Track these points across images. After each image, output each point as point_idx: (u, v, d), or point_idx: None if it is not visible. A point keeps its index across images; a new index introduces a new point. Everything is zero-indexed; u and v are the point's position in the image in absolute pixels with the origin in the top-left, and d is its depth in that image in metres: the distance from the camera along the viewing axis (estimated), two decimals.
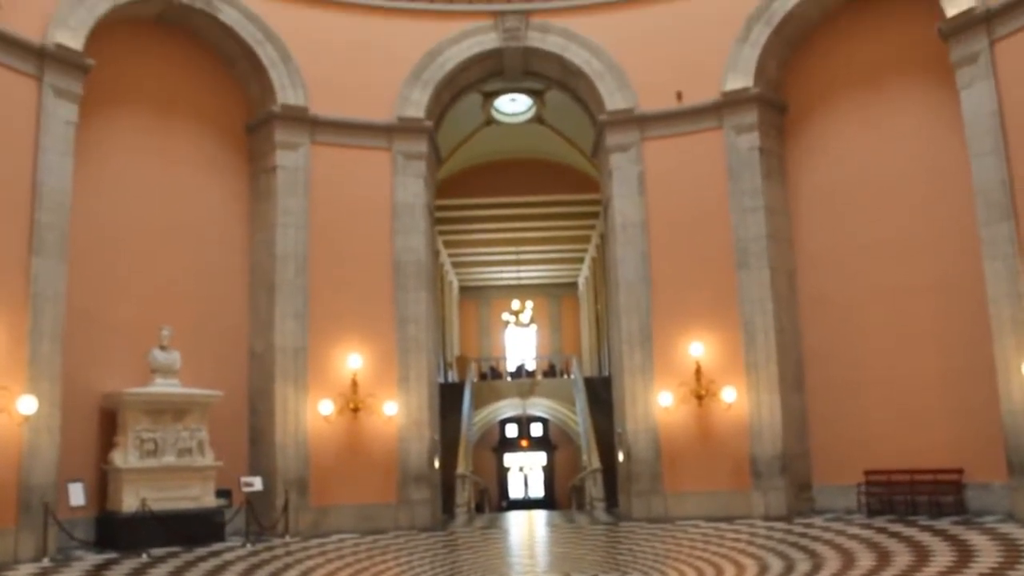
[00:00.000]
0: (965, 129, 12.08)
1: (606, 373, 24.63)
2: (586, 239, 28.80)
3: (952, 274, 12.78)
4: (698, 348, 14.38)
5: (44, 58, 11.73)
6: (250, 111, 15.04)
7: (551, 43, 15.85)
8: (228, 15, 14.25)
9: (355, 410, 14.32)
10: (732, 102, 14.66)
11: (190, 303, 13.75)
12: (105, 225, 12.86)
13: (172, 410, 12.68)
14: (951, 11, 12.19)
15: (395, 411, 14.53)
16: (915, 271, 13.28)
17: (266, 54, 14.60)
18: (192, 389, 12.98)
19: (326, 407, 14.18)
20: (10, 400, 10.68)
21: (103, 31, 12.70)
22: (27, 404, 10.75)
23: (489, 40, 15.90)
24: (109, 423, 12.53)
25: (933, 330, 13.05)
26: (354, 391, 14.34)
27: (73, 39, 12.07)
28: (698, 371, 14.32)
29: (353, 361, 14.45)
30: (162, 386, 12.68)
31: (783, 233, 14.62)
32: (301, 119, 14.77)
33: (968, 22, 11.96)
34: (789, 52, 14.83)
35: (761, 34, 14.54)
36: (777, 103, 14.86)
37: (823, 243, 14.36)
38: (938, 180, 13.07)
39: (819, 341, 14.25)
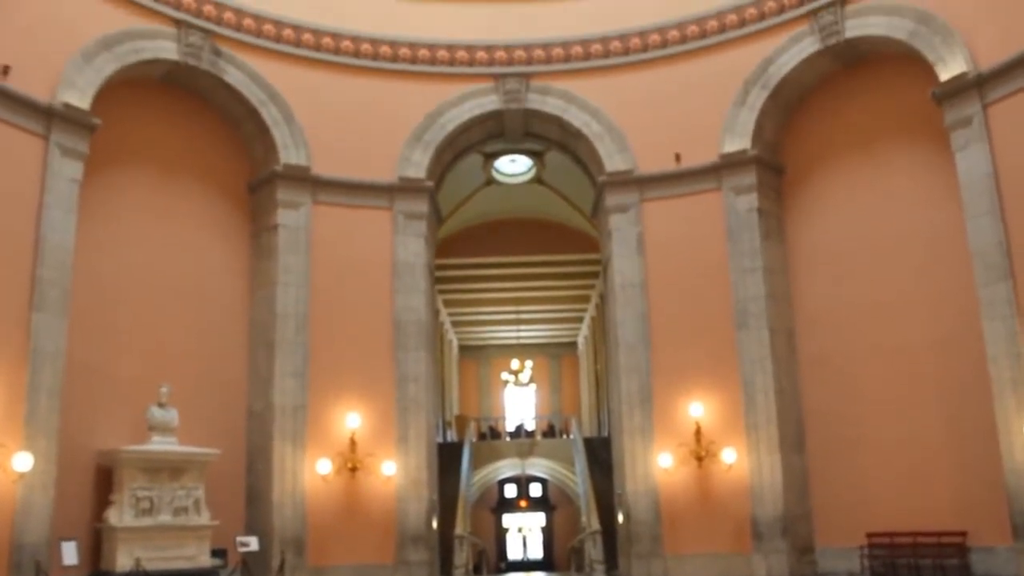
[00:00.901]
0: (961, 191, 12.21)
1: (606, 433, 24.48)
2: (586, 299, 28.85)
3: (951, 334, 12.80)
4: (698, 409, 14.34)
5: (52, 117, 11.90)
6: (253, 170, 15.21)
7: (551, 105, 16.07)
8: (233, 76, 14.49)
9: (353, 469, 14.23)
10: (730, 164, 14.81)
11: (190, 360, 13.74)
12: (106, 282, 12.91)
13: (169, 468, 12.59)
14: (944, 76, 12.42)
15: (393, 471, 14.43)
16: (914, 331, 13.29)
17: (270, 114, 14.81)
18: (190, 447, 12.91)
19: (324, 466, 14.08)
20: (6, 457, 10.61)
21: (110, 91, 12.91)
22: (22, 461, 10.67)
23: (490, 102, 16.12)
24: (105, 481, 12.42)
25: (934, 390, 13.02)
26: (352, 450, 14.26)
27: (80, 99, 12.26)
28: (698, 432, 14.25)
29: (352, 420, 14.39)
30: (159, 444, 12.60)
31: (782, 293, 14.67)
32: (303, 178, 14.92)
33: (961, 86, 12.17)
34: (786, 115, 15.05)
35: (758, 97, 14.75)
36: (775, 165, 15.03)
37: (822, 303, 14.40)
38: (936, 240, 13.16)
39: (819, 401, 14.21)
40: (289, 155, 14.87)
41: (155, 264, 13.63)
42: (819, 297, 14.47)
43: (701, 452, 14.17)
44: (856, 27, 13.75)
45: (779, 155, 15.17)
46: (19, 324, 11.19)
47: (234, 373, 14.48)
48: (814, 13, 14.21)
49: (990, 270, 11.73)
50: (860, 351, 13.83)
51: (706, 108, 15.15)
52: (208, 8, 14.29)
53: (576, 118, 15.96)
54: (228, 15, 14.54)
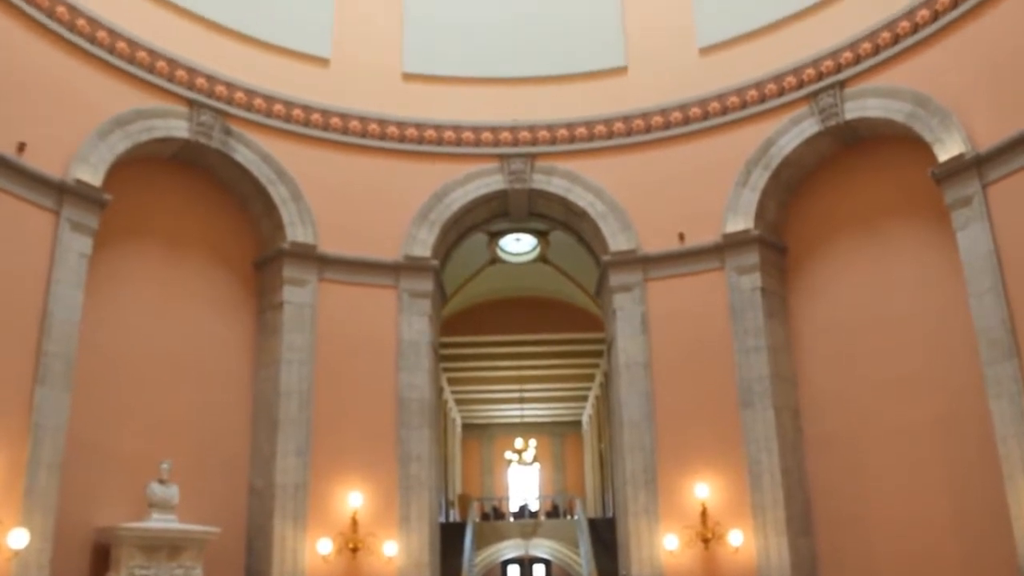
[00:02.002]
0: (963, 269, 12.26)
1: (610, 514, 24.18)
2: (590, 378, 28.81)
3: (959, 413, 12.70)
4: (703, 490, 14.17)
5: (64, 193, 12.05)
6: (260, 247, 15.34)
7: (555, 185, 16.27)
8: (243, 154, 14.74)
9: (354, 550, 14.02)
10: (733, 243, 14.92)
11: (191, 437, 13.67)
12: (110, 356, 12.92)
13: (168, 547, 12.41)
14: (943, 156, 12.59)
15: (395, 551, 14.21)
16: (921, 410, 13.19)
17: (278, 193, 15.00)
18: (189, 525, 12.76)
19: (325, 546, 13.88)
20: (1, 534, 10.48)
21: (121, 167, 13.12)
22: (18, 538, 10.51)
23: (495, 182, 16.33)
24: (102, 558, 12.21)
25: (942, 470, 12.86)
26: (354, 530, 14.08)
27: (92, 175, 12.45)
28: (704, 513, 14.07)
29: (354, 499, 14.24)
30: (159, 521, 12.45)
31: (787, 372, 14.63)
32: (309, 256, 15.03)
33: (960, 167, 12.32)
34: (788, 195, 15.22)
35: (760, 178, 14.93)
36: (778, 244, 15.13)
37: (827, 382, 14.34)
38: (940, 319, 13.15)
39: (826, 481, 14.05)
40: (296, 233, 15.01)
41: (160, 339, 13.65)
42: (824, 376, 14.42)
43: (707, 534, 13.97)
44: (855, 109, 14.00)
45: (782, 234, 15.29)
46: (22, 398, 11.15)
47: (236, 450, 14.39)
48: (814, 95, 14.48)
49: (995, 348, 11.71)
50: (866, 430, 13.72)
51: (709, 188, 15.34)
52: (220, 88, 14.60)
53: (580, 198, 16.14)
54: (239, 95, 14.85)
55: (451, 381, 28.03)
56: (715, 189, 15.27)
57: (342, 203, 15.58)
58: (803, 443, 14.42)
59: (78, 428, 11.85)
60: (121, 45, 13.37)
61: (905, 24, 13.42)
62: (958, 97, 12.62)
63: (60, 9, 12.57)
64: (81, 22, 12.85)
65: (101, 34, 13.12)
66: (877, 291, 14.01)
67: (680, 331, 15.11)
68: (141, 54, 13.62)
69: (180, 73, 14.12)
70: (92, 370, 12.37)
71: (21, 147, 11.69)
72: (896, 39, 13.55)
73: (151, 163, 14.03)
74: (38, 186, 11.82)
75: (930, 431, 13.04)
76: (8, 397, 11.04)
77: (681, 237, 15.44)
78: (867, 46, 13.90)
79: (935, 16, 13.03)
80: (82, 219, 12.25)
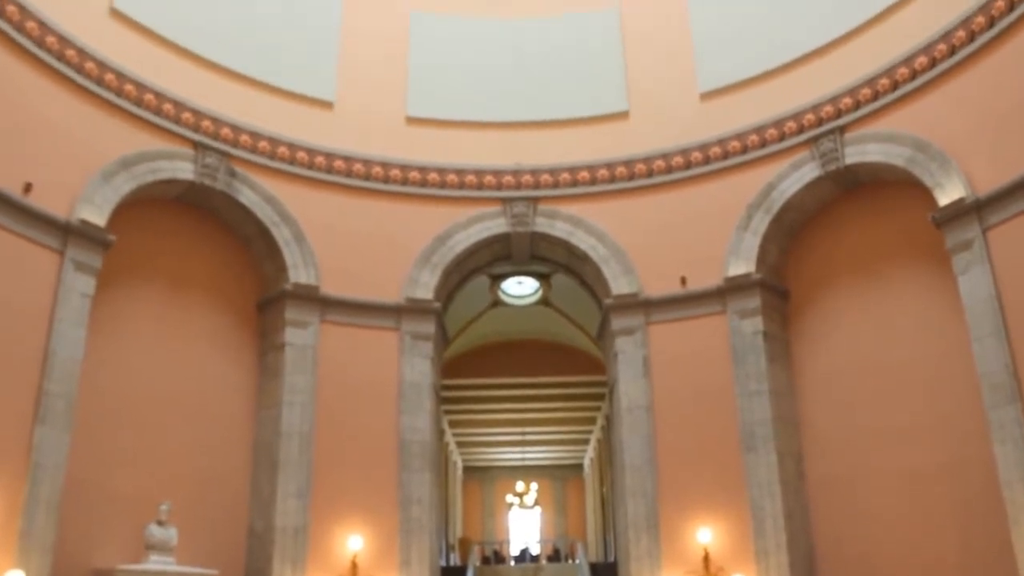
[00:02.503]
0: (965, 313, 12.26)
1: (612, 558, 23.95)
2: (591, 420, 28.71)
3: (963, 457, 12.61)
4: (706, 534, 14.05)
5: (68, 233, 12.12)
6: (263, 289, 15.37)
7: (558, 229, 16.35)
8: (247, 196, 14.84)
9: None
10: (735, 287, 14.94)
11: (191, 478, 13.60)
12: (111, 395, 12.90)
13: None
14: (943, 201, 12.65)
15: None
16: (924, 454, 13.11)
17: (281, 235, 15.07)
18: (187, 568, 12.63)
19: None
20: None
21: (125, 208, 13.24)
22: None
23: (497, 225, 16.41)
24: None
25: (946, 514, 12.75)
26: (354, 573, 13.93)
27: (97, 216, 12.53)
28: (706, 558, 13.93)
29: (354, 542, 14.12)
30: (156, 563, 12.32)
31: (790, 416, 14.57)
32: (312, 298, 15.06)
33: (960, 211, 12.37)
34: (789, 239, 15.27)
35: (761, 222, 15.00)
36: (779, 288, 15.15)
37: (830, 426, 14.28)
38: (942, 363, 13.12)
39: (830, 526, 13.93)
40: (299, 275, 15.05)
41: (161, 380, 13.64)
42: (827, 420, 14.36)
43: None
44: (855, 154, 14.10)
45: (783, 278, 15.31)
46: (21, 437, 11.11)
47: (236, 492, 14.29)
48: (814, 140, 14.60)
49: (998, 392, 11.67)
50: (870, 475, 13.63)
51: (711, 232, 15.40)
52: (226, 131, 14.75)
53: (582, 241, 16.20)
54: (244, 138, 14.98)
55: (452, 423, 27.93)
56: (717, 233, 15.34)
57: (345, 245, 15.65)
58: (806, 487, 14.33)
59: (77, 468, 11.81)
60: (129, 88, 13.53)
61: (904, 71, 13.57)
62: (957, 142, 12.72)
63: (70, 52, 12.74)
64: (90, 65, 13.02)
65: (109, 77, 13.29)
66: (879, 335, 14.01)
67: (682, 375, 15.09)
68: (148, 96, 13.78)
69: (186, 115, 14.27)
70: (92, 409, 12.36)
71: (28, 187, 11.79)
72: (895, 85, 13.70)
73: (156, 204, 14.13)
74: (43, 226, 11.89)
75: (934, 475, 12.96)
76: (7, 436, 11.00)
77: (683, 281, 15.47)
78: (866, 92, 14.04)
79: (933, 63, 13.18)
80: (86, 259, 12.30)
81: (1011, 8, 12.20)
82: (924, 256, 13.55)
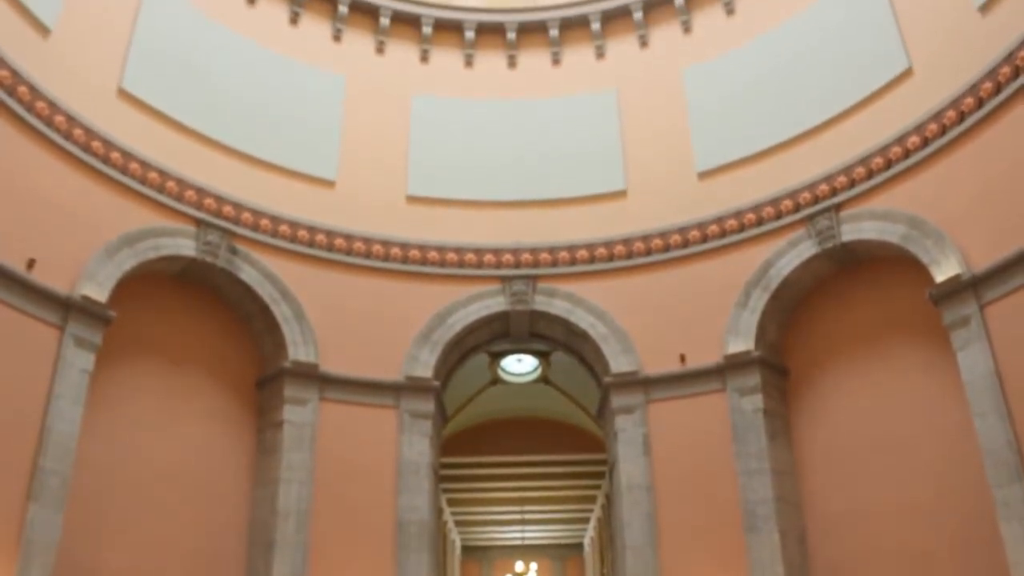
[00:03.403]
0: (966, 389, 12.21)
1: None
2: (591, 499, 28.37)
3: (969, 537, 12.44)
4: None
5: (69, 309, 12.16)
6: (262, 365, 15.36)
7: (557, 307, 16.40)
8: (247, 273, 14.93)
9: None
10: (734, 365, 14.92)
11: (186, 558, 13.38)
12: (106, 472, 12.79)
13: None
14: (939, 277, 12.72)
15: None
16: (930, 533, 12.92)
17: (281, 312, 15.12)
18: None
19: None
20: None
21: (126, 284, 13.33)
22: None
23: (497, 303, 16.47)
24: None
25: None
26: None
27: (99, 292, 12.60)
28: None
29: None
30: None
31: (791, 495, 14.42)
32: (311, 375, 15.03)
33: (956, 288, 12.43)
34: (788, 316, 15.32)
35: (760, 299, 15.06)
36: (779, 366, 15.13)
37: (833, 505, 14.10)
38: (945, 440, 13.04)
39: None
40: (298, 352, 15.05)
41: (156, 457, 13.54)
42: (830, 499, 14.19)
43: None
44: (851, 231, 14.23)
45: (783, 355, 15.32)
46: (13, 514, 10.98)
47: (231, 572, 14.05)
48: (810, 218, 14.76)
49: (1002, 470, 11.55)
50: (875, 555, 13.41)
51: (709, 310, 15.47)
52: (228, 209, 14.92)
53: (582, 320, 16.24)
54: (246, 215, 15.16)
55: (451, 502, 27.61)
56: (715, 311, 15.40)
57: (344, 323, 15.69)
58: (810, 568, 14.09)
59: (69, 546, 11.66)
60: (134, 166, 13.75)
61: (897, 149, 13.80)
62: (952, 219, 12.86)
63: (77, 131, 12.98)
64: (96, 144, 13.25)
65: (115, 155, 13.51)
66: (880, 412, 13.95)
67: (682, 453, 14.98)
68: (152, 174, 13.99)
69: (189, 193, 14.46)
70: (86, 486, 12.26)
71: (31, 263, 11.89)
72: (889, 164, 13.91)
73: (157, 280, 14.24)
74: (44, 302, 11.95)
75: (940, 555, 12.76)
76: (1, 514, 10.88)
77: (682, 359, 15.46)
78: (861, 170, 14.25)
79: (925, 142, 13.42)
80: (86, 335, 12.33)
81: (998, 90, 12.46)
82: (923, 332, 13.59)
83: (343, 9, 17.97)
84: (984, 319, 12.16)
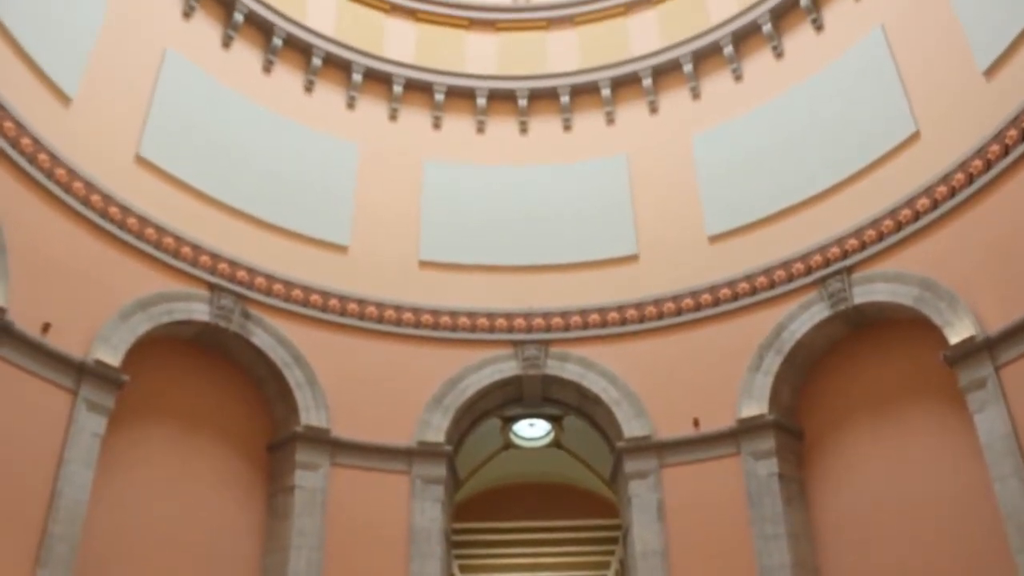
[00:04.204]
0: (984, 453, 12.08)
1: None
2: (605, 565, 27.82)
3: None
4: None
5: (83, 373, 12.22)
6: (274, 430, 15.31)
7: (569, 371, 16.35)
8: (260, 338, 14.97)
9: None
10: (748, 429, 14.78)
11: None
12: (115, 538, 12.68)
13: None
14: (953, 339, 12.67)
15: None
16: None
17: (293, 377, 15.12)
18: None
19: None
20: None
21: (139, 348, 13.37)
22: None
23: (509, 368, 16.43)
24: None
25: None
26: None
27: (112, 356, 12.66)
28: None
29: None
30: None
31: (808, 561, 14.15)
32: (323, 440, 14.95)
33: (970, 350, 12.37)
34: (801, 379, 15.22)
35: (773, 362, 14.99)
36: (793, 429, 14.99)
37: (851, 571, 13.82)
38: (964, 504, 12.81)
39: None
40: (310, 417, 15.00)
41: (167, 522, 13.42)
42: (847, 564, 13.91)
43: None
44: (863, 294, 14.22)
45: (797, 419, 15.18)
46: None
47: None
48: (822, 281, 14.76)
49: (1023, 535, 11.37)
50: None
51: (722, 373, 15.38)
52: (241, 273, 15.04)
53: (594, 384, 16.17)
54: (260, 280, 15.26)
55: (463, 568, 27.15)
56: (728, 374, 15.32)
57: (357, 387, 15.66)
58: None
59: None
60: (150, 231, 13.92)
61: (907, 212, 13.86)
62: (965, 280, 12.85)
63: (95, 197, 13.20)
64: (114, 209, 13.45)
65: (131, 220, 13.70)
66: (898, 475, 13.75)
67: (697, 518, 14.77)
68: (168, 240, 14.15)
69: (204, 258, 14.60)
70: (95, 552, 12.15)
71: (46, 327, 11.98)
72: (899, 226, 13.95)
73: (170, 344, 14.29)
74: (58, 366, 12.01)
75: None
76: None
77: (696, 423, 15.34)
78: (871, 233, 14.29)
79: (935, 204, 13.48)
80: (99, 399, 12.36)
81: (1006, 152, 12.56)
82: (938, 394, 13.47)
83: (357, 77, 18.32)
84: (1000, 381, 12.07)
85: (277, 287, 15.48)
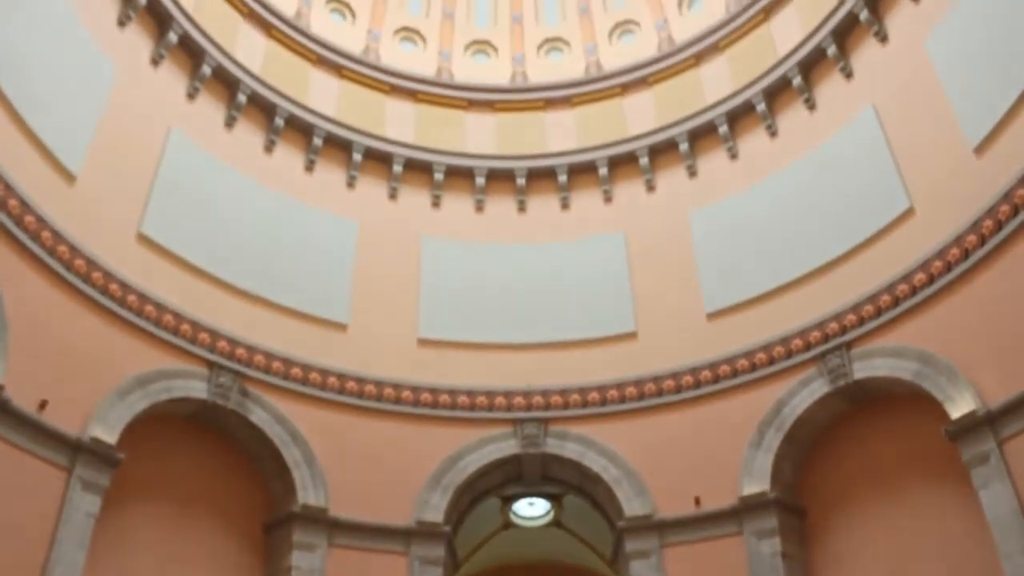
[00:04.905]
0: (991, 528, 11.91)
1: None
2: None
3: None
4: None
5: (78, 451, 12.10)
6: (270, 509, 15.09)
7: (569, 450, 16.21)
8: (258, 415, 14.87)
9: None
10: (751, 507, 14.58)
11: None
12: None
13: None
14: (954, 414, 12.61)
15: None
16: None
17: (291, 455, 14.97)
18: None
19: None
20: None
21: (136, 426, 13.26)
22: None
23: (508, 447, 16.29)
24: None
25: None
26: None
27: (108, 434, 12.56)
28: None
29: None
30: None
31: None
32: (320, 520, 14.73)
33: (972, 424, 12.30)
34: (803, 456, 15.08)
35: (774, 439, 14.87)
36: (796, 506, 14.79)
37: None
38: None
39: None
40: (307, 496, 14.81)
41: None
42: None
43: None
44: (863, 369, 14.19)
45: (800, 496, 14.98)
46: None
47: None
48: (821, 356, 14.73)
49: None
50: None
51: (723, 450, 15.25)
52: (240, 351, 15.02)
53: (594, 463, 16.02)
54: (258, 358, 15.23)
55: None
56: (729, 451, 15.18)
57: (355, 466, 15.50)
58: None
59: None
60: (149, 308, 13.96)
61: (904, 287, 13.93)
62: (964, 354, 12.83)
63: (96, 275, 13.28)
64: (114, 287, 13.52)
65: (132, 298, 13.76)
66: (903, 553, 13.52)
67: None
68: (167, 317, 14.18)
69: (203, 336, 14.60)
70: None
71: (43, 404, 11.92)
72: (896, 301, 14.01)
73: (167, 421, 14.18)
74: (54, 443, 11.91)
75: None
76: None
77: (697, 501, 15.15)
78: (869, 308, 14.34)
79: (931, 279, 13.55)
80: (94, 478, 12.22)
81: (999, 227, 12.69)
82: (942, 469, 13.33)
83: (357, 156, 18.58)
84: (1004, 456, 11.97)
85: (276, 365, 15.44)
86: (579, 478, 16.50)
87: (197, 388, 14.25)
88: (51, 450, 11.85)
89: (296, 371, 15.63)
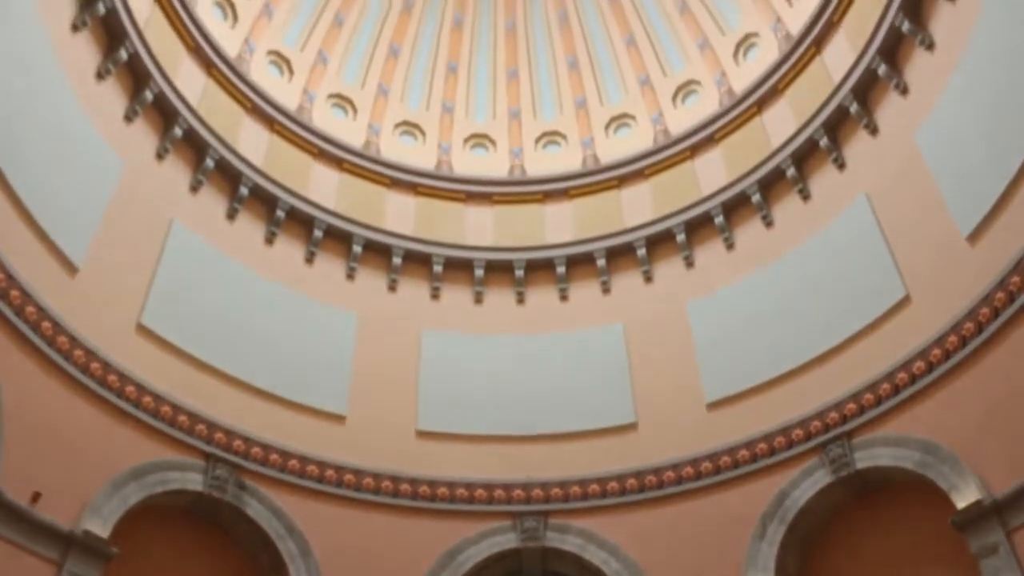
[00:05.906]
0: None
1: None
2: None
3: None
4: None
5: (70, 545, 11.88)
6: None
7: (569, 543, 15.94)
8: (254, 508, 14.65)
9: None
10: None
11: None
12: None
13: None
14: (960, 503, 12.44)
15: None
16: None
17: (287, 548, 14.70)
18: None
19: None
20: None
21: (130, 518, 13.05)
22: None
23: (507, 540, 16.02)
24: None
25: None
26: None
27: (102, 527, 12.35)
28: None
29: None
30: None
31: None
32: None
33: (979, 514, 12.14)
34: (807, 547, 14.81)
35: (777, 531, 14.63)
36: None
37: None
38: None
39: None
40: None
41: None
42: None
43: None
44: (865, 458, 14.05)
45: None
46: None
47: None
48: (823, 446, 14.61)
49: None
50: None
51: (725, 542, 14.97)
52: (238, 443, 14.90)
53: (595, 556, 15.73)
54: (256, 450, 15.09)
55: None
56: (732, 543, 14.91)
57: (352, 560, 15.20)
58: None
59: None
60: (147, 399, 13.90)
61: (903, 375, 13.91)
62: (967, 442, 12.74)
63: (95, 365, 13.25)
64: (112, 377, 13.48)
65: (129, 389, 13.70)
66: None
67: None
68: (165, 408, 14.10)
69: (200, 427, 14.50)
70: None
71: (36, 497, 11.74)
72: (896, 389, 13.97)
73: (162, 513, 13.96)
74: (45, 537, 11.69)
75: None
76: None
77: None
78: (869, 397, 14.29)
79: (930, 367, 13.55)
80: (85, 572, 11.97)
81: (995, 315, 12.75)
82: (950, 559, 13.09)
83: (357, 249, 18.73)
84: (1012, 546, 11.78)
85: (273, 457, 15.29)
86: (580, 572, 16.16)
87: (193, 480, 14.08)
88: (42, 544, 11.62)
89: (294, 463, 15.48)
